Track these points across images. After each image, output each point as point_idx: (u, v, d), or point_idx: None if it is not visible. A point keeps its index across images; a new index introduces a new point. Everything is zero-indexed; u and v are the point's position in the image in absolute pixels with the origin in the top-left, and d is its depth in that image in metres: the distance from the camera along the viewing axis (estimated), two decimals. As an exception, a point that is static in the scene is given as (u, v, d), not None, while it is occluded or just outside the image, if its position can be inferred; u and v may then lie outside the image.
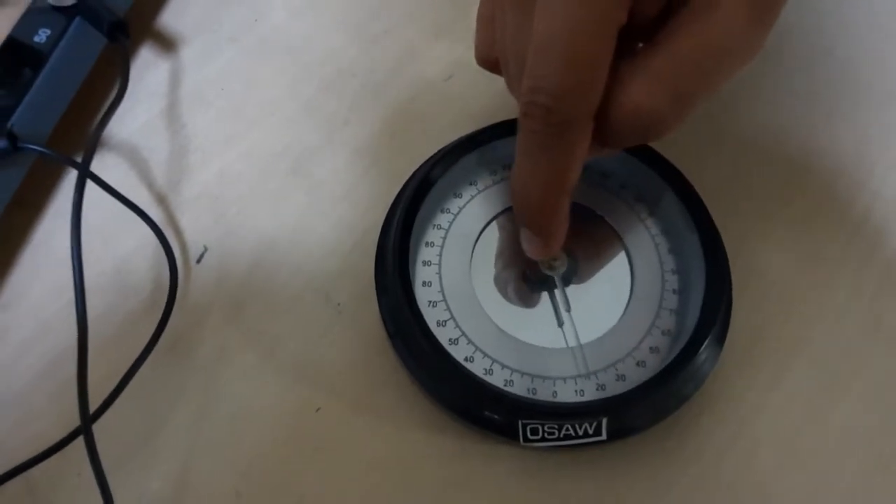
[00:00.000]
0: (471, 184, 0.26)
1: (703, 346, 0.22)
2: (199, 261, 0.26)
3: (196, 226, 0.27)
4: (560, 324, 0.24)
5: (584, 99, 0.17)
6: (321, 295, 0.25)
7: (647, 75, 0.17)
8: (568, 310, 0.24)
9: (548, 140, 0.18)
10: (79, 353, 0.21)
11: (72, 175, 0.28)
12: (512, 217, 0.25)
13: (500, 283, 0.24)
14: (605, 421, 0.21)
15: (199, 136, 0.29)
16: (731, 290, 0.24)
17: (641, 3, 0.17)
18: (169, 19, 0.31)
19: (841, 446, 0.23)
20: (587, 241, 0.25)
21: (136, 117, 0.29)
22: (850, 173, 0.28)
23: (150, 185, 0.28)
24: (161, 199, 0.28)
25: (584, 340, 0.23)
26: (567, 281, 0.24)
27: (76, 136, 0.28)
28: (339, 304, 0.25)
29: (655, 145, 0.25)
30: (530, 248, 0.21)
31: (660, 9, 0.18)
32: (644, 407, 0.22)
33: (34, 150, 0.23)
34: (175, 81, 0.30)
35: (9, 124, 0.24)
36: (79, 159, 0.24)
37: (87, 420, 0.21)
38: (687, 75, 0.17)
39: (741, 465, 0.23)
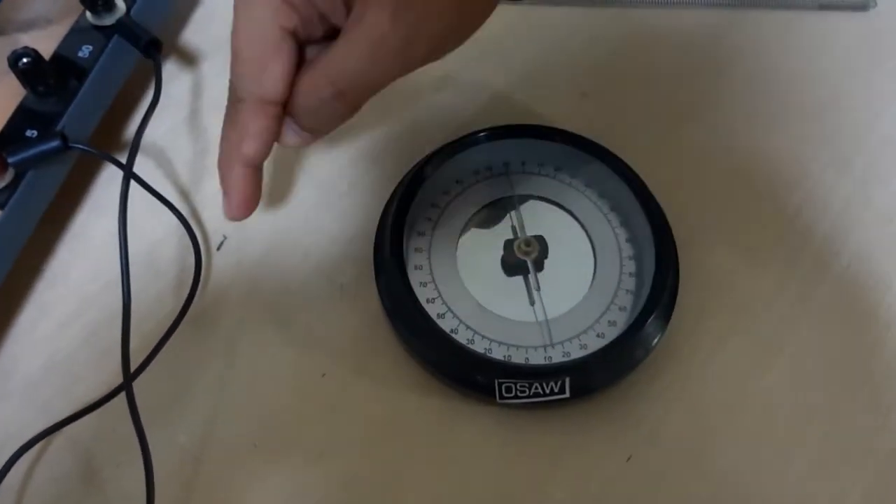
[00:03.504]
0: (457, 182, 0.30)
1: (651, 318, 0.25)
2: (219, 248, 0.30)
3: (216, 218, 0.30)
4: (531, 302, 0.27)
5: (249, 84, 0.21)
6: (327, 277, 0.29)
7: (313, 69, 0.21)
8: (538, 289, 0.27)
9: (227, 114, 0.23)
10: (123, 320, 0.24)
11: (107, 171, 0.31)
12: None
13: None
14: (568, 380, 0.25)
15: (218, 139, 0.32)
16: (678, 272, 0.27)
17: (325, 11, 0.21)
18: (191, 36, 0.35)
19: (772, 403, 0.27)
20: (557, 231, 0.29)
21: (162, 122, 0.32)
22: (785, 175, 0.32)
23: (175, 181, 0.31)
24: (185, 194, 0.31)
25: (552, 316, 0.27)
26: (539, 265, 0.28)
27: (112, 136, 0.32)
28: (342, 285, 0.29)
29: (620, 151, 0.29)
30: (224, 207, 0.24)
31: (344, 14, 0.21)
32: (601, 369, 0.25)
33: (83, 149, 0.27)
34: (197, 91, 0.34)
35: (60, 127, 0.27)
36: (116, 156, 0.28)
37: (129, 378, 0.24)
38: (341, 74, 0.20)
39: (686, 421, 0.26)
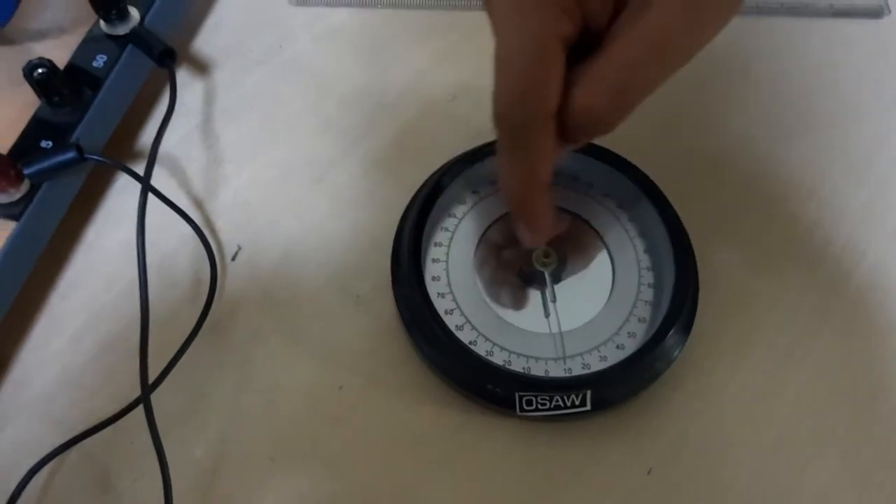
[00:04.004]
0: (473, 192, 0.29)
1: (671, 331, 0.25)
2: (234, 258, 0.30)
3: (230, 228, 0.30)
4: (546, 314, 0.27)
5: (532, 105, 0.19)
6: (342, 288, 0.29)
7: (588, 78, 0.19)
8: (553, 301, 0.27)
9: (511, 142, 0.20)
10: (141, 332, 0.24)
11: (119, 181, 0.31)
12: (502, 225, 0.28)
13: (492, 287, 0.27)
14: (589, 393, 0.24)
15: (231, 147, 0.32)
16: (697, 284, 0.27)
17: (592, 14, 0.19)
18: (203, 46, 0.35)
19: (792, 416, 0.27)
20: (574, 242, 0.29)
21: (174, 131, 0.32)
22: (802, 183, 0.32)
23: (189, 190, 0.31)
24: (198, 204, 0.31)
25: (572, 327, 0.27)
26: (557, 277, 0.28)
27: (125, 145, 0.32)
28: (357, 296, 0.29)
29: (637, 160, 0.29)
30: (522, 237, 0.23)
31: (610, 16, 0.19)
32: (622, 382, 0.25)
33: (99, 160, 0.27)
34: (209, 100, 0.34)
35: (75, 138, 0.27)
36: (129, 164, 0.28)
37: (147, 390, 0.24)
38: (623, 76, 0.19)
39: (706, 434, 0.26)
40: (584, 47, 0.19)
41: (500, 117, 0.20)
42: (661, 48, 0.18)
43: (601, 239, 0.29)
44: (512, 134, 0.20)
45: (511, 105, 0.20)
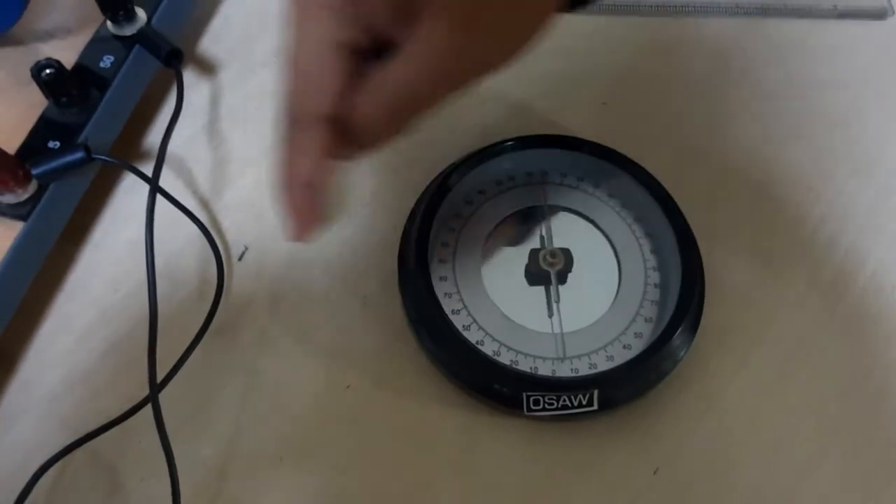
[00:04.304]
0: (480, 192, 0.30)
1: (678, 331, 0.25)
2: (240, 258, 0.30)
3: (237, 228, 0.30)
4: (550, 314, 0.27)
5: (307, 101, 0.20)
6: (349, 288, 0.29)
7: (367, 88, 0.20)
8: (557, 301, 0.27)
9: (287, 133, 0.21)
10: (150, 330, 0.24)
11: (126, 181, 0.31)
12: None
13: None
14: (595, 393, 0.24)
15: (238, 148, 0.32)
16: (703, 285, 0.27)
17: (375, 25, 0.20)
18: (208, 47, 0.35)
19: (797, 417, 0.27)
20: (581, 242, 0.29)
21: (181, 131, 0.32)
22: (807, 185, 0.32)
23: (195, 190, 0.31)
24: (205, 204, 0.31)
25: (579, 327, 0.27)
26: (563, 278, 0.28)
27: (131, 145, 0.32)
28: (364, 296, 0.29)
29: (642, 160, 0.29)
30: (286, 228, 0.22)
31: (399, 27, 0.19)
32: (629, 381, 0.25)
33: (107, 161, 0.27)
34: (215, 101, 0.34)
35: (83, 138, 0.27)
36: (135, 164, 0.28)
37: (155, 389, 0.24)
38: (397, 92, 0.19)
39: (712, 434, 0.26)
40: (380, 54, 0.20)
41: (282, 109, 0.21)
42: (430, 70, 0.19)
43: (608, 238, 0.29)
44: (289, 128, 0.21)
45: (288, 100, 0.21)
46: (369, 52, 0.21)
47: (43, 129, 0.27)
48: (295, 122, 0.21)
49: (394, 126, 0.20)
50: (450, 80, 0.19)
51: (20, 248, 0.26)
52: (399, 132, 0.20)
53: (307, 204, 0.22)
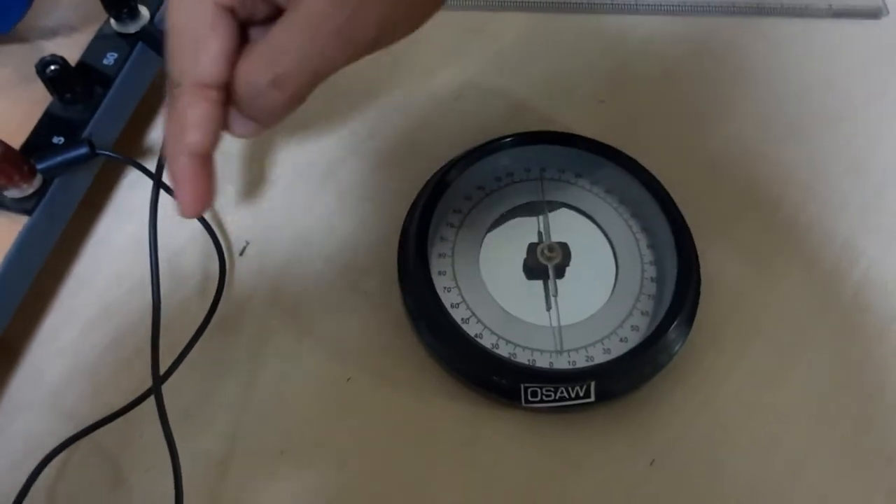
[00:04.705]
0: (479, 188, 0.30)
1: (674, 324, 0.26)
2: (241, 253, 0.30)
3: (239, 223, 0.31)
4: (548, 308, 0.28)
5: (184, 65, 0.19)
6: (350, 282, 0.29)
7: (251, 53, 0.19)
8: (555, 295, 0.28)
9: (171, 105, 0.20)
10: (153, 322, 0.25)
11: (129, 177, 0.32)
12: None
13: None
14: (592, 384, 0.25)
15: (240, 145, 0.33)
16: (699, 279, 0.28)
17: None
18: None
19: (792, 410, 0.27)
20: (579, 237, 0.29)
21: (183, 129, 0.33)
22: (802, 182, 0.32)
23: (197, 187, 0.32)
24: (207, 200, 0.31)
25: (577, 320, 0.27)
26: (560, 272, 0.28)
27: (133, 141, 0.32)
28: (365, 291, 0.29)
29: (639, 157, 0.29)
30: (177, 203, 0.21)
31: None
32: (625, 374, 0.26)
33: (111, 156, 0.27)
34: (217, 97, 0.34)
35: (87, 134, 0.27)
36: (138, 160, 0.28)
37: (158, 382, 0.24)
38: (281, 58, 0.18)
39: (708, 426, 0.27)
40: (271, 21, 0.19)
41: (168, 76, 0.20)
42: (312, 33, 0.18)
43: (605, 234, 0.29)
44: (172, 97, 0.20)
45: (171, 70, 0.20)
46: (256, 19, 0.20)
47: (47, 125, 0.28)
48: (176, 87, 0.20)
49: (279, 95, 0.19)
50: (334, 45, 0.18)
51: (25, 242, 0.26)
52: (287, 103, 0.19)
53: (195, 176, 0.20)
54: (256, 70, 0.19)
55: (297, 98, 0.19)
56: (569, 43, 0.36)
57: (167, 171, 0.21)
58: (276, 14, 0.19)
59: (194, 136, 0.20)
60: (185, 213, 0.21)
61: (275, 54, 0.18)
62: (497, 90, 0.34)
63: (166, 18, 0.20)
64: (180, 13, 0.19)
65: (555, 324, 0.27)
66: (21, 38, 0.31)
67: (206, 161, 0.20)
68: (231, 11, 0.19)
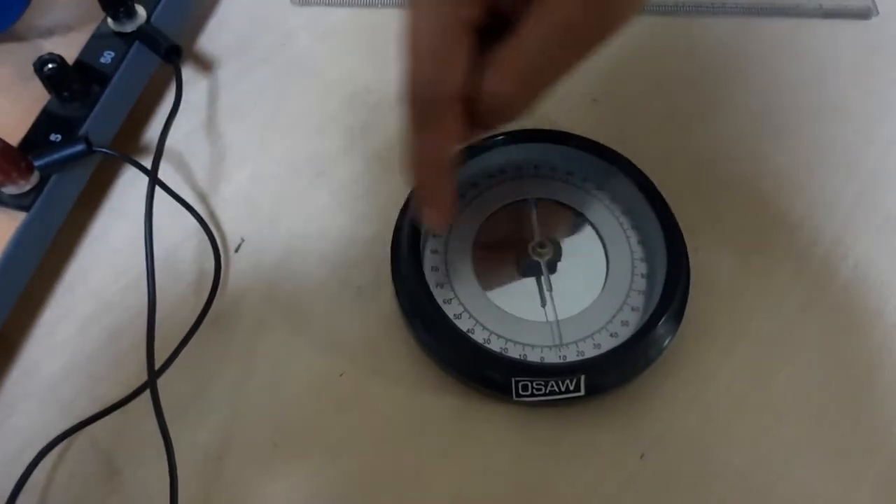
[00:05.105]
0: (472, 185, 0.30)
1: (663, 319, 0.26)
2: (237, 250, 0.30)
3: (234, 220, 0.31)
4: (543, 303, 0.28)
5: (437, 87, 0.20)
6: (344, 279, 0.30)
7: (496, 63, 0.19)
8: (550, 290, 0.28)
9: (418, 124, 0.21)
10: (148, 316, 0.25)
11: (126, 174, 0.32)
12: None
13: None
14: (583, 378, 0.25)
15: (235, 143, 0.33)
16: (688, 274, 0.28)
17: (498, 2, 0.19)
18: (207, 44, 0.36)
19: (781, 403, 0.27)
20: (570, 233, 0.29)
21: (180, 127, 0.33)
22: (792, 180, 0.32)
23: (193, 185, 0.32)
24: (203, 197, 0.32)
25: (566, 316, 0.27)
26: (552, 267, 0.29)
27: (131, 139, 0.32)
28: (359, 287, 0.29)
29: (631, 155, 0.30)
30: (424, 219, 0.23)
31: (519, 1, 0.19)
32: (615, 368, 0.26)
33: (107, 153, 0.28)
34: (213, 96, 0.34)
35: (84, 131, 0.28)
36: (135, 158, 0.28)
37: (154, 376, 0.25)
38: (528, 62, 0.19)
39: (697, 420, 0.27)
40: (497, 32, 0.20)
41: (407, 98, 0.20)
42: (563, 36, 0.18)
43: (596, 230, 0.30)
44: (418, 115, 0.21)
45: (418, 86, 0.20)
46: (485, 32, 0.20)
47: (45, 123, 0.28)
48: (426, 106, 0.20)
49: (525, 98, 0.20)
50: (581, 40, 0.19)
51: (22, 238, 0.26)
52: (529, 105, 0.20)
53: (444, 188, 0.22)
54: (506, 76, 0.19)
55: (540, 98, 0.20)
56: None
57: (418, 189, 0.22)
58: (501, 23, 0.20)
59: (450, 149, 0.21)
60: (439, 223, 0.23)
61: (526, 56, 0.19)
62: (490, 89, 0.34)
63: (408, 37, 0.20)
64: (427, 31, 0.19)
65: (545, 319, 0.27)
66: (19, 37, 0.31)
67: (451, 173, 0.22)
68: (472, 26, 0.20)
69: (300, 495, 0.26)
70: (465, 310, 0.27)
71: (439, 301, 0.27)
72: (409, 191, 0.30)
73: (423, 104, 0.20)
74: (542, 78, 0.19)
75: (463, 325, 0.27)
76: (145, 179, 0.28)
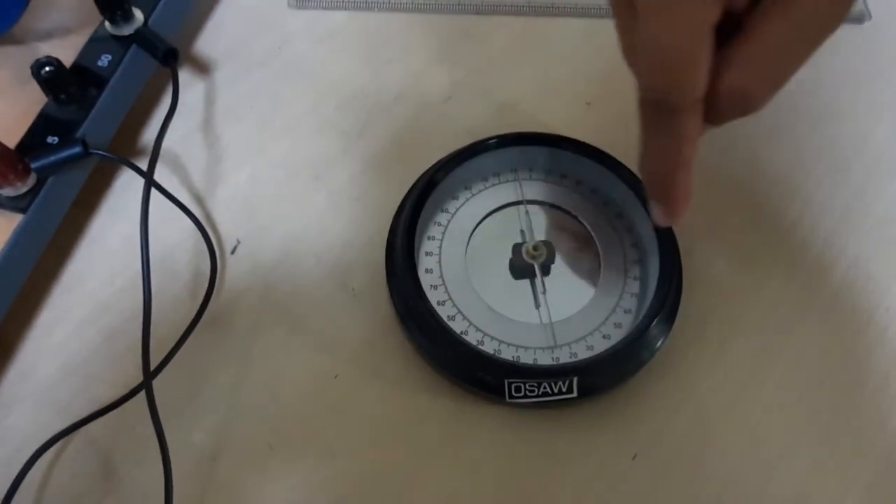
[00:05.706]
0: (466, 188, 0.30)
1: (655, 321, 0.26)
2: (233, 252, 0.31)
3: (230, 222, 0.31)
4: (537, 305, 0.28)
5: (686, 89, 0.20)
6: (339, 281, 0.30)
7: (737, 60, 0.19)
8: (543, 292, 0.28)
9: (660, 125, 0.21)
10: (144, 318, 0.25)
11: (123, 177, 0.32)
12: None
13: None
14: (575, 380, 0.25)
15: (232, 146, 0.33)
16: (681, 277, 0.28)
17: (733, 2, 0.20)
18: (204, 47, 0.36)
19: (773, 405, 0.27)
20: (564, 236, 0.30)
21: (176, 129, 0.33)
22: (785, 183, 0.33)
23: (190, 187, 0.32)
24: (199, 200, 0.32)
25: (559, 318, 0.28)
26: (546, 270, 0.29)
27: (128, 142, 0.33)
28: (353, 289, 0.30)
29: (624, 158, 0.30)
30: (657, 216, 0.24)
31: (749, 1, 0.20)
32: (608, 370, 0.26)
33: (104, 155, 0.28)
34: (210, 99, 0.34)
35: (81, 134, 0.28)
36: (132, 160, 0.29)
37: (149, 377, 0.25)
38: (771, 57, 0.19)
39: (690, 421, 0.27)
40: (723, 32, 0.20)
41: (651, 102, 0.21)
42: (807, 26, 0.19)
43: (590, 233, 0.30)
44: (662, 117, 0.21)
45: (664, 89, 0.20)
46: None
47: (42, 125, 0.28)
48: (675, 110, 0.20)
49: (769, 91, 0.20)
50: (822, 32, 0.19)
51: (19, 240, 0.26)
52: (770, 98, 0.20)
53: (685, 186, 0.23)
54: (748, 75, 0.20)
55: (776, 93, 0.20)
56: (556, 46, 0.36)
57: (661, 189, 0.23)
58: (726, 22, 0.20)
59: (693, 148, 0.21)
60: (677, 220, 0.24)
61: (766, 56, 0.19)
62: (485, 92, 0.35)
63: (654, 41, 0.20)
64: (680, 35, 0.19)
65: (538, 321, 0.27)
66: (17, 40, 0.31)
67: (689, 170, 0.22)
68: (713, 26, 0.20)
69: (294, 496, 0.26)
70: (459, 312, 0.28)
71: (433, 303, 0.27)
72: (404, 193, 0.30)
73: (669, 108, 0.20)
74: (785, 71, 0.20)
75: (457, 326, 0.27)
76: (142, 182, 0.28)
